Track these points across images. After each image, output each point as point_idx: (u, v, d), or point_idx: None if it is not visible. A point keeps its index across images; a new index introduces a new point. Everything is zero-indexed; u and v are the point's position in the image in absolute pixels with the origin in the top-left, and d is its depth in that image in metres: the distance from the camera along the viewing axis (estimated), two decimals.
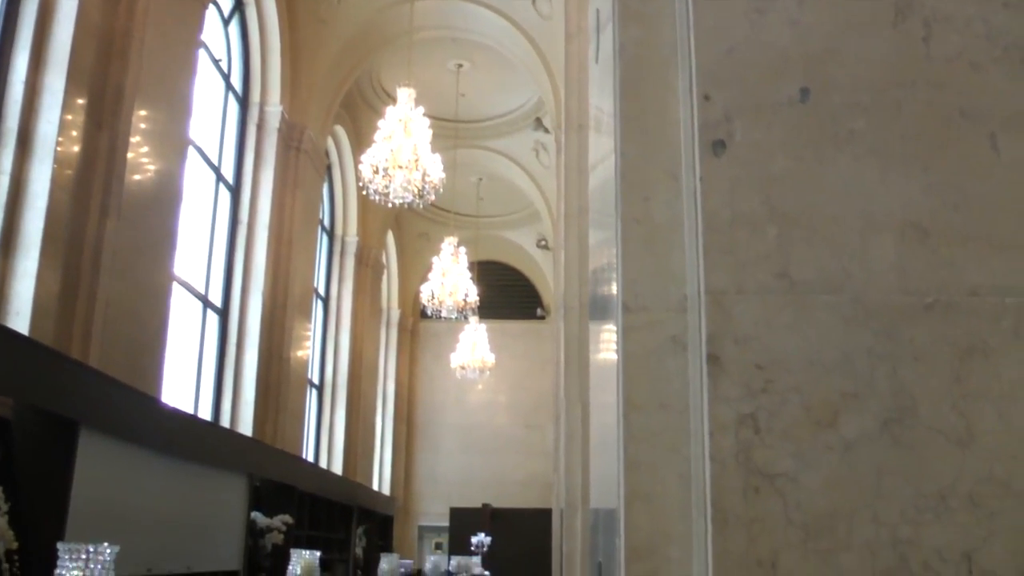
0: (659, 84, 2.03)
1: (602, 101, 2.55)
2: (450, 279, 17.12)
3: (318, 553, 5.25)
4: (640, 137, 2.01)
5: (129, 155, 8.86)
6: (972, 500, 1.67)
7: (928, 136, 1.84)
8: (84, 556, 2.53)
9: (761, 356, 1.74)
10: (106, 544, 2.59)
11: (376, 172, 11.29)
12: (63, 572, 2.53)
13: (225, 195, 13.59)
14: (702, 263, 1.79)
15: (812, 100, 1.86)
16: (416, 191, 11.37)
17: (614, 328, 2.04)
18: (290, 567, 5.11)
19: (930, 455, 1.69)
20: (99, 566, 2.54)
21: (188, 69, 10.61)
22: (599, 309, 2.88)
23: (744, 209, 1.80)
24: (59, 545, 2.58)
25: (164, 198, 9.80)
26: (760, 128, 1.85)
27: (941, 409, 1.71)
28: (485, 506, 23.95)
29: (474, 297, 17.35)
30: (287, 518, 10.38)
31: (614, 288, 2.02)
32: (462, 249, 17.69)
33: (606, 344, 2.36)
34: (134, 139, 8.98)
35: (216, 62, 13.08)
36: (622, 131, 2.02)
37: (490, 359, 20.78)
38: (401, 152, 11.32)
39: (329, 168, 18.65)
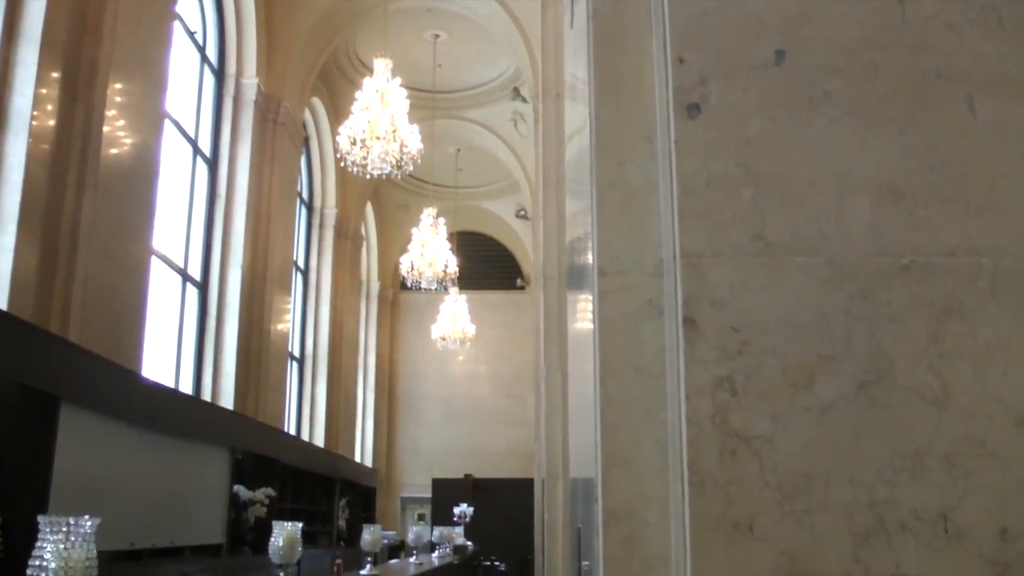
0: (633, 48, 2.02)
1: (577, 69, 2.54)
2: (429, 250, 17.08)
3: (300, 525, 5.24)
4: (615, 101, 2.00)
5: (105, 128, 8.80)
6: (948, 460, 1.68)
7: (904, 97, 1.83)
8: (65, 528, 2.53)
9: (737, 318, 1.74)
10: (87, 516, 2.59)
11: (354, 144, 11.25)
12: (44, 544, 2.53)
13: (202, 168, 13.52)
14: (677, 226, 1.78)
15: (787, 62, 1.85)
16: (394, 162, 11.32)
17: (591, 295, 2.03)
18: (272, 539, 5.10)
19: (906, 416, 1.70)
20: (79, 538, 2.54)
21: (163, 41, 10.53)
22: (576, 279, 2.88)
23: (719, 171, 1.80)
24: (40, 518, 2.58)
25: (141, 171, 9.74)
26: (735, 90, 1.84)
27: (917, 370, 1.72)
28: (467, 477, 23.99)
29: (454, 268, 17.33)
30: (270, 491, 10.39)
31: (591, 256, 2.02)
32: (441, 220, 17.65)
33: (583, 313, 2.36)
34: (110, 112, 8.92)
35: (191, 34, 12.98)
36: (597, 95, 2.01)
37: (471, 330, 20.79)
38: (378, 123, 11.28)
39: (307, 140, 18.56)
